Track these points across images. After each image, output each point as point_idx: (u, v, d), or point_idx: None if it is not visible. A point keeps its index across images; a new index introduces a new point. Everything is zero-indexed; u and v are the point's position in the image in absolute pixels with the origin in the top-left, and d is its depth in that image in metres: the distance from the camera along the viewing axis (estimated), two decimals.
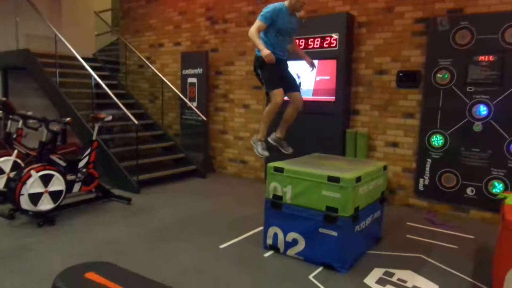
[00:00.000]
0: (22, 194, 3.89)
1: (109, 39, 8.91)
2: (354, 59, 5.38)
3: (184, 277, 3.03)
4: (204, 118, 6.71)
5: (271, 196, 3.49)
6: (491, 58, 4.37)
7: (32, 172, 3.96)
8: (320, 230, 3.20)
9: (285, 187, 3.39)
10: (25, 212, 4.03)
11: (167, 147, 6.90)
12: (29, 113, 5.30)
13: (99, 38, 8.89)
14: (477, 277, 3.13)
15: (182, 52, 7.23)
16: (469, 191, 4.60)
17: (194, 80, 6.98)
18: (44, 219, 4.03)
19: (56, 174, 4.15)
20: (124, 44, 8.01)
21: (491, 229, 4.10)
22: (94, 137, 4.79)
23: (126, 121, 6.03)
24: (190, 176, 6.51)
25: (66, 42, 6.33)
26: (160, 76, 7.22)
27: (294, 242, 3.36)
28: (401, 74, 5.00)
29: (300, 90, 3.92)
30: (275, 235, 3.48)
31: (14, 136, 5.11)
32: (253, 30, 3.46)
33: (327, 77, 5.32)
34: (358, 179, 3.16)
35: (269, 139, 4.03)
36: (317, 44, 5.39)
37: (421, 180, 4.92)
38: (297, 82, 3.90)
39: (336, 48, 5.23)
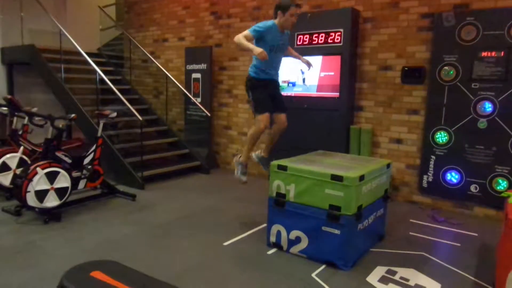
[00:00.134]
0: (29, 191, 3.94)
1: (113, 34, 8.91)
2: (358, 55, 5.35)
3: (187, 275, 3.06)
4: (208, 114, 6.72)
5: (274, 194, 3.51)
6: (497, 54, 4.33)
7: (38, 169, 4.00)
8: (323, 228, 3.22)
9: (288, 185, 3.41)
10: (32, 208, 4.09)
11: (171, 142, 6.93)
12: (34, 109, 5.34)
13: (104, 33, 8.89)
14: (479, 276, 3.14)
15: (186, 47, 7.22)
16: (473, 188, 4.60)
17: (198, 75, 6.98)
18: (51, 216, 4.08)
19: (62, 171, 4.19)
20: (129, 39, 8.02)
21: (495, 227, 4.11)
22: (99, 134, 4.82)
23: (131, 117, 6.06)
24: (194, 172, 6.54)
25: (70, 38, 6.35)
26: (164, 71, 7.23)
27: (297, 240, 3.38)
28: (406, 70, 4.97)
29: (286, 111, 4.02)
30: (279, 233, 3.50)
31: (20, 132, 5.16)
32: (239, 35, 3.53)
33: (331, 73, 5.30)
34: (362, 178, 3.17)
35: (253, 155, 4.20)
36: (321, 40, 5.36)
37: (424, 177, 4.91)
38: (284, 103, 4.07)
39: (341, 44, 5.19)
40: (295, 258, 3.37)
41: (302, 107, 5.54)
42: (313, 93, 5.47)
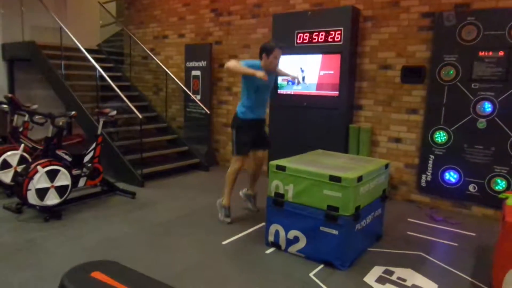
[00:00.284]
0: (29, 189, 3.96)
1: (113, 30, 8.89)
2: (358, 53, 5.35)
3: (187, 274, 3.09)
4: (208, 111, 6.73)
5: (273, 194, 3.53)
6: (497, 54, 4.32)
7: (39, 167, 4.02)
8: (321, 228, 3.24)
9: (287, 185, 3.43)
10: (32, 206, 4.12)
11: (171, 139, 6.94)
12: (35, 106, 5.37)
13: (103, 29, 8.87)
14: (476, 276, 3.17)
15: (186, 44, 7.22)
16: (471, 187, 4.61)
17: (198, 72, 6.98)
18: (51, 214, 4.11)
19: (62, 170, 4.21)
20: (129, 35, 8.01)
21: (493, 226, 4.13)
22: (99, 132, 4.84)
23: (130, 114, 6.07)
24: (194, 169, 6.56)
25: (70, 34, 6.34)
26: (164, 68, 7.23)
27: (296, 239, 3.41)
28: (405, 69, 4.97)
29: (267, 148, 4.37)
30: (277, 233, 3.53)
31: (21, 129, 5.18)
32: (232, 62, 3.71)
33: (331, 72, 5.30)
34: (360, 179, 3.19)
35: (240, 193, 4.57)
36: (321, 38, 5.35)
37: (423, 176, 4.93)
38: (269, 140, 4.42)
39: (341, 43, 5.19)
40: (293, 258, 3.40)
41: (302, 106, 5.55)
42: (313, 91, 5.47)
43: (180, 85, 7.10)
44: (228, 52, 6.76)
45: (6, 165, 4.70)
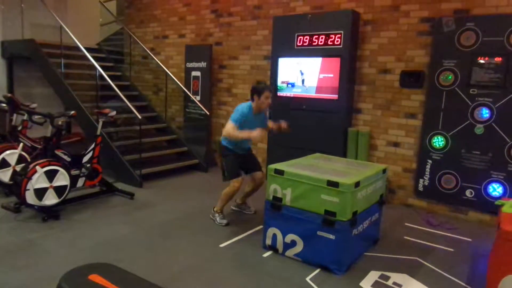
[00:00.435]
0: (28, 189, 3.97)
1: (113, 28, 8.89)
2: (358, 57, 5.36)
3: (184, 277, 3.11)
4: (207, 112, 6.74)
5: (271, 198, 3.55)
6: (496, 60, 4.35)
7: (38, 167, 4.03)
8: (319, 233, 3.26)
9: (285, 190, 3.44)
10: (31, 206, 4.13)
11: (170, 140, 6.95)
12: (34, 105, 5.37)
13: (103, 27, 8.87)
14: (471, 282, 3.19)
15: (187, 44, 7.22)
16: (468, 193, 4.64)
17: (198, 73, 6.98)
18: (49, 214, 4.12)
19: (61, 170, 4.22)
20: (129, 35, 8.01)
21: (489, 232, 4.16)
22: (98, 132, 4.84)
23: (130, 114, 6.07)
24: (193, 170, 6.58)
25: (70, 33, 6.34)
26: (164, 69, 7.23)
27: (293, 243, 3.43)
28: (404, 73, 4.99)
29: (261, 169, 4.43)
30: (274, 236, 3.55)
31: (19, 128, 5.18)
32: (229, 129, 3.92)
33: (331, 75, 5.31)
34: (357, 184, 3.20)
35: (232, 207, 4.67)
36: (321, 42, 5.37)
37: (420, 181, 4.95)
38: (257, 162, 4.50)
39: (341, 46, 5.20)
40: (290, 261, 3.42)
41: (301, 108, 5.57)
42: (312, 94, 5.49)
43: (180, 86, 7.10)
44: (228, 53, 6.77)
45: (4, 164, 4.71)
